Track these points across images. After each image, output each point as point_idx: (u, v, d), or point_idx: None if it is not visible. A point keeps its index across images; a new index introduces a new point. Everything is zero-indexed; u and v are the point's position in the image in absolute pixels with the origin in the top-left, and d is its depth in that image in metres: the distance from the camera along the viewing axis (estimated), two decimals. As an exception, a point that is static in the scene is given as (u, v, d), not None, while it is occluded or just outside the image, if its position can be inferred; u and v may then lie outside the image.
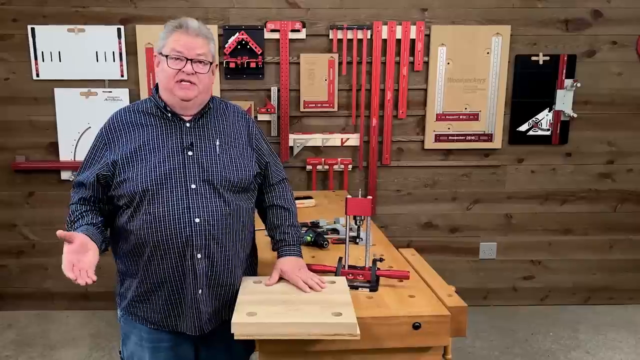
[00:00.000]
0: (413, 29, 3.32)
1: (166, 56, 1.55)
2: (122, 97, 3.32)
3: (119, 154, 1.58)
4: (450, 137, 3.47)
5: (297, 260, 1.70)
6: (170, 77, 1.56)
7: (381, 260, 1.89)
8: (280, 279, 1.66)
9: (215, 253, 1.59)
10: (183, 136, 1.61)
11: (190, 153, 1.59)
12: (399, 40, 3.34)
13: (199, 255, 1.57)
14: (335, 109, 3.40)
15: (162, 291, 1.60)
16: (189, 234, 1.55)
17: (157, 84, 1.66)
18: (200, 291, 1.60)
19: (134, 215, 1.57)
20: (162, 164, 1.56)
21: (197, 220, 1.55)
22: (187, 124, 1.62)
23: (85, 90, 3.31)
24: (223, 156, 1.63)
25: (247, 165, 1.67)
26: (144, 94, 3.30)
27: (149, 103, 1.66)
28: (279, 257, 1.72)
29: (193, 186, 1.57)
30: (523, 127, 3.49)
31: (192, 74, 1.55)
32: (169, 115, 1.62)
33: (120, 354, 1.79)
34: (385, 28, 3.31)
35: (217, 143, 1.63)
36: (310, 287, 1.59)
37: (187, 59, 1.55)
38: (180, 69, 1.55)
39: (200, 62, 1.57)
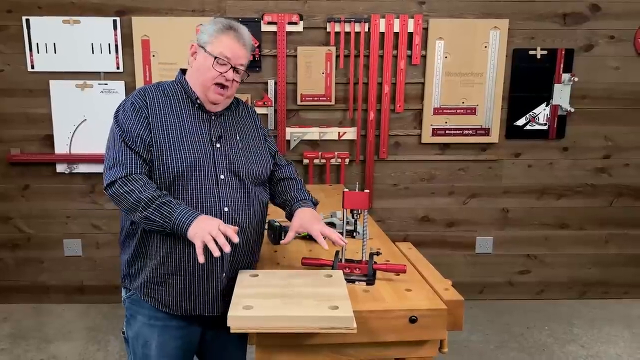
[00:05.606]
0: (411, 22, 3.31)
1: (215, 57, 1.59)
2: (117, 89, 3.30)
3: (154, 133, 1.59)
4: (447, 131, 3.46)
5: (313, 212, 1.72)
6: (211, 78, 1.61)
7: (378, 254, 1.89)
8: (279, 273, 1.65)
9: (239, 241, 1.60)
10: (212, 127, 1.66)
11: (218, 145, 1.65)
12: (396, 34, 3.32)
13: None
14: (333, 102, 3.39)
15: (184, 274, 1.62)
16: None
17: (181, 69, 1.70)
18: (223, 275, 1.65)
19: None
20: (193, 152, 1.60)
21: (226, 209, 1.61)
22: (213, 116, 1.68)
23: (80, 82, 3.29)
24: (245, 149, 1.70)
25: (265, 158, 1.76)
26: (139, 86, 3.27)
27: (176, 88, 1.68)
28: (294, 210, 1.73)
29: (222, 177, 1.63)
30: (520, 122, 3.49)
31: (231, 80, 1.62)
32: (198, 105, 1.66)
33: (123, 334, 1.79)
34: (383, 21, 3.29)
35: (237, 137, 1.71)
36: (333, 242, 1.61)
37: (231, 66, 1.61)
38: (222, 73, 1.60)
39: (239, 71, 1.63)
